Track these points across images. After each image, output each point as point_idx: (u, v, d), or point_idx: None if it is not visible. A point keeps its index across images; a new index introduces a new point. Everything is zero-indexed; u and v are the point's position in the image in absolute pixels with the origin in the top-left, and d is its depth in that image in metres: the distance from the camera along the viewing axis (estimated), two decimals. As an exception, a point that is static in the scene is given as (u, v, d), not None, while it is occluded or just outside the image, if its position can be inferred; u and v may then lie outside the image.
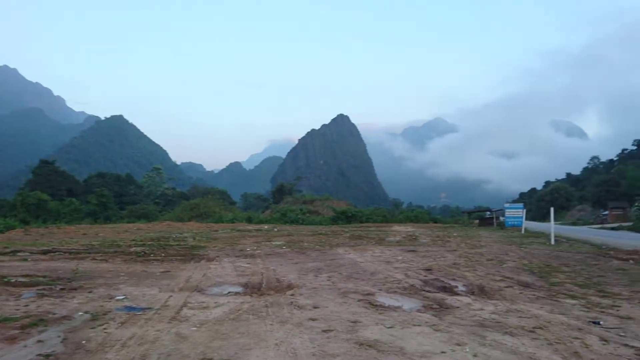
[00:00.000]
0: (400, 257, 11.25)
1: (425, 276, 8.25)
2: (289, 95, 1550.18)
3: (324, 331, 4.64)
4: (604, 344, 4.31)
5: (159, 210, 58.46)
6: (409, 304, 6.06)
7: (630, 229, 32.90)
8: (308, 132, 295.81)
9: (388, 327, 4.80)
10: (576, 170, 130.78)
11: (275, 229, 25.21)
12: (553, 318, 5.27)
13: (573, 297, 6.55)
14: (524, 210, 26.96)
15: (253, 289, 7.05)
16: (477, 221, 39.77)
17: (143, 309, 5.55)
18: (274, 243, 15.64)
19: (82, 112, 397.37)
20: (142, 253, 11.81)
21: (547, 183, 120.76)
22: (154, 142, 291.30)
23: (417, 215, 45.78)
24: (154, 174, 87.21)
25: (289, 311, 5.51)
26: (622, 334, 4.68)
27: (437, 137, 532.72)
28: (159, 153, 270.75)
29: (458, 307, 5.80)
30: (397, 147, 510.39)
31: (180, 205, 53.51)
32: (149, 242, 15.41)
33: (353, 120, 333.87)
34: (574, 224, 56.08)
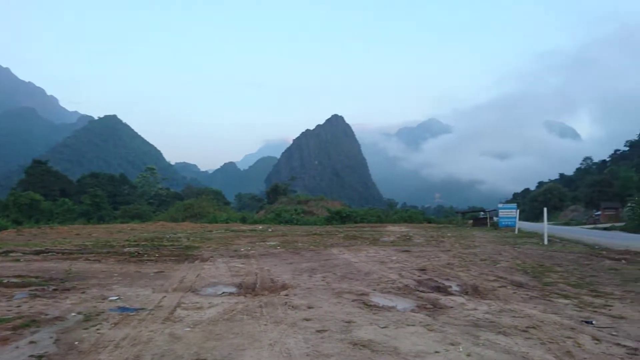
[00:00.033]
0: (394, 257, 11.26)
1: (419, 276, 8.26)
2: (286, 95, 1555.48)
3: (318, 331, 4.64)
4: (596, 343, 4.33)
5: (153, 211, 58.20)
6: (403, 304, 6.07)
7: (622, 229, 33.10)
8: (303, 133, 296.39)
9: (382, 327, 4.81)
10: (569, 171, 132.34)
11: (270, 229, 25.15)
12: (546, 318, 5.30)
13: (566, 296, 6.59)
14: (518, 211, 27.07)
15: (247, 289, 7.02)
16: (471, 221, 39.94)
17: (136, 310, 5.52)
18: (268, 243, 15.59)
19: (75, 112, 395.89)
20: (136, 253, 11.72)
21: (541, 184, 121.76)
22: (147, 142, 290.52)
23: (411, 215, 45.96)
24: (148, 174, 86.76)
25: (283, 311, 5.50)
26: (614, 333, 4.71)
27: (432, 138, 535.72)
28: (153, 153, 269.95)
29: (452, 307, 5.82)
30: (392, 147, 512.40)
31: (174, 205, 53.34)
32: (143, 243, 15.30)
33: (347, 120, 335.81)
34: (566, 224, 56.53)
